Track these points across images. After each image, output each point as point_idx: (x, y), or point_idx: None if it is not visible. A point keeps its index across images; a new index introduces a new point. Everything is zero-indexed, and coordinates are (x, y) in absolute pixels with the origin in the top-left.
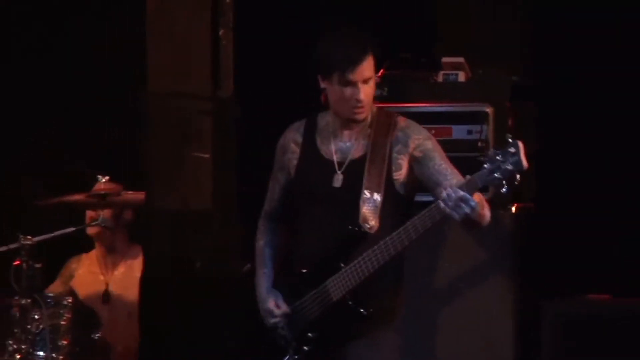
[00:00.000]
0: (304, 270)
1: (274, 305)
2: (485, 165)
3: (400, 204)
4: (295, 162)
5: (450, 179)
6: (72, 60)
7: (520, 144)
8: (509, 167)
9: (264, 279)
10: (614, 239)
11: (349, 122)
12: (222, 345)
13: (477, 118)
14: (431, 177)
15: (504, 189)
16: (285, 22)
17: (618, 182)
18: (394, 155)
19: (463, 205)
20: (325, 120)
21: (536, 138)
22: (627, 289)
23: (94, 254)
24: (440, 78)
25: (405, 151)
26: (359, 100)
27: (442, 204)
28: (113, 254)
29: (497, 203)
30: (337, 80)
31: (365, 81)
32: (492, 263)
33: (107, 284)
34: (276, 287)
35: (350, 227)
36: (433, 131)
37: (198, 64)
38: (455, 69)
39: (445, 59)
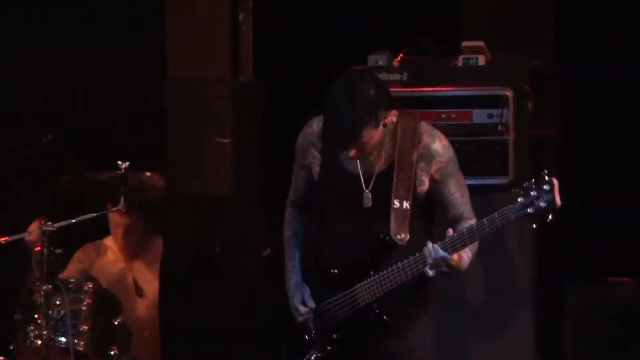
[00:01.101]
0: (335, 271)
1: (300, 303)
2: (519, 199)
3: (426, 213)
4: (317, 169)
5: (456, 209)
6: (92, 46)
7: (555, 182)
8: (542, 204)
9: (292, 273)
10: (635, 222)
11: None
12: (242, 330)
13: (497, 102)
14: (442, 202)
15: (534, 225)
16: (303, 6)
17: (638, 165)
18: (418, 171)
19: (442, 265)
20: None
21: (556, 121)
22: None
23: (111, 242)
24: (459, 62)
25: (427, 169)
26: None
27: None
28: (134, 243)
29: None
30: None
31: (361, 147)
32: (513, 246)
33: (134, 278)
34: (306, 281)
35: (384, 237)
36: (453, 115)
37: (218, 49)
38: (474, 53)
39: (465, 43)
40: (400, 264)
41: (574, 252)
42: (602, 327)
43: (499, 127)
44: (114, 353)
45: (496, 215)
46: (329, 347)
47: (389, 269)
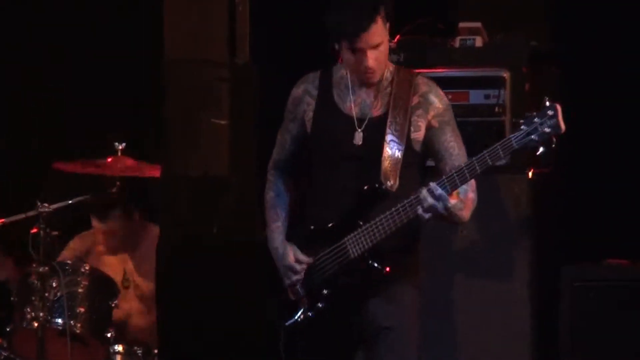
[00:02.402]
0: (321, 227)
1: (294, 261)
2: (522, 127)
3: (418, 163)
4: (311, 114)
5: (453, 159)
6: (90, 28)
7: (558, 107)
8: (547, 129)
9: (277, 233)
10: (632, 204)
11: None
12: (240, 311)
13: (494, 83)
14: (438, 151)
15: (539, 152)
16: None
17: (637, 147)
18: (414, 118)
19: (438, 206)
20: (340, 73)
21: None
22: None
23: (101, 231)
24: (457, 43)
25: (424, 116)
26: (367, 67)
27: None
28: (119, 244)
29: (516, 168)
30: (346, 47)
31: (374, 47)
32: (509, 228)
33: (124, 268)
34: (291, 241)
35: (372, 184)
36: (450, 96)
37: (214, 30)
38: (472, 34)
39: (462, 24)
40: (392, 209)
41: (572, 234)
42: (600, 310)
43: (496, 109)
44: (111, 335)
45: (498, 146)
46: (319, 304)
47: (380, 217)
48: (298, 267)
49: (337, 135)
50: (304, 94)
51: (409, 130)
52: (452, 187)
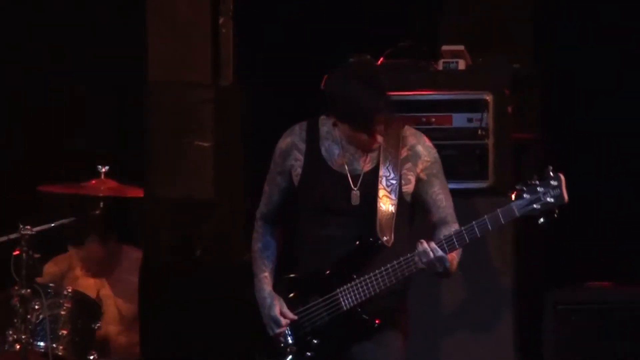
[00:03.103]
0: (312, 276)
1: (280, 314)
2: (524, 196)
3: (408, 216)
4: (299, 170)
5: (441, 211)
6: (73, 49)
7: (562, 177)
8: (550, 199)
9: (265, 283)
10: (615, 226)
11: None
12: (222, 334)
13: (477, 106)
14: (427, 202)
15: (541, 221)
16: (284, 10)
17: (618, 169)
18: (404, 171)
19: (438, 265)
20: (327, 126)
21: (536, 125)
22: (627, 276)
23: (78, 256)
24: (440, 66)
25: (413, 170)
26: (373, 145)
27: (416, 258)
28: (99, 268)
29: (498, 191)
30: (351, 127)
31: (379, 130)
32: (492, 251)
33: (98, 292)
34: (276, 292)
35: (368, 238)
36: (433, 119)
37: (198, 52)
38: (455, 57)
39: (445, 47)
40: (387, 266)
41: (554, 257)
42: (582, 332)
43: (479, 132)
44: (93, 358)
45: (499, 212)
46: (308, 354)
47: (375, 272)
48: (283, 321)
49: (331, 194)
50: (292, 147)
51: (400, 183)
52: (450, 248)
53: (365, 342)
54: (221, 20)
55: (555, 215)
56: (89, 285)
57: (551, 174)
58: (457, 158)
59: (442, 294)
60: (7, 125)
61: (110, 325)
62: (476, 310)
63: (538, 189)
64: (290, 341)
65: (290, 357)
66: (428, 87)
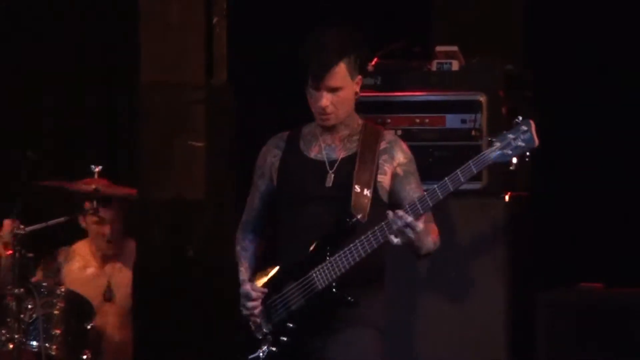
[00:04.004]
0: (288, 263)
1: (250, 288)
2: (495, 144)
3: (382, 210)
4: (277, 164)
5: None
6: (65, 49)
7: (532, 122)
8: (521, 143)
9: (240, 275)
10: (606, 228)
11: (332, 129)
12: (214, 333)
13: (470, 107)
14: (400, 197)
15: (512, 166)
16: (278, 9)
17: (611, 171)
18: (381, 161)
19: (408, 230)
20: (309, 128)
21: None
22: (619, 278)
23: (84, 248)
24: (433, 67)
25: (390, 162)
26: (321, 107)
27: (385, 228)
28: (109, 248)
29: (491, 192)
30: (309, 84)
31: (331, 90)
32: (485, 252)
33: (108, 280)
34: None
35: (342, 217)
36: (426, 120)
37: (191, 52)
38: (448, 58)
39: (438, 48)
40: (360, 238)
41: (547, 258)
42: (574, 334)
43: (473, 133)
44: (87, 357)
45: (471, 163)
46: (283, 338)
47: (346, 248)
48: (253, 294)
49: (305, 179)
50: (272, 149)
51: (376, 172)
52: (415, 213)
53: (337, 334)
54: (215, 20)
55: (527, 159)
56: (93, 274)
57: (520, 119)
58: (450, 159)
59: (433, 295)
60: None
61: (109, 317)
62: (468, 311)
63: (508, 135)
64: (265, 330)
65: (265, 345)
66: (421, 88)
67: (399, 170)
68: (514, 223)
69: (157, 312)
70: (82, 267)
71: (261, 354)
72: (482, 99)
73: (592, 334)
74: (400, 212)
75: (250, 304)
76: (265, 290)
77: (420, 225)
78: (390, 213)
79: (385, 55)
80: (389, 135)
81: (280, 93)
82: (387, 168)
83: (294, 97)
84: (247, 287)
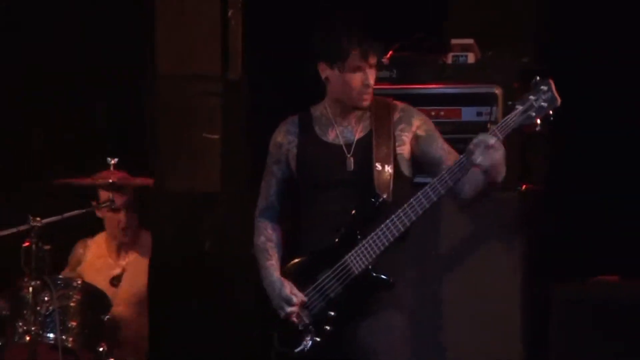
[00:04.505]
0: (317, 251)
1: (290, 293)
2: (517, 107)
3: (405, 182)
4: (295, 151)
5: (453, 157)
6: (81, 42)
7: (551, 81)
8: (544, 104)
9: (271, 270)
10: (622, 220)
11: (349, 109)
12: (232, 326)
13: (486, 100)
14: (435, 155)
15: (538, 127)
16: (293, 2)
17: (628, 163)
18: (397, 133)
19: (491, 150)
20: (319, 110)
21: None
22: (635, 271)
23: (101, 238)
24: (449, 60)
25: (408, 129)
26: (368, 86)
27: (469, 157)
28: (124, 236)
29: (507, 185)
30: (347, 67)
31: (372, 66)
32: (500, 246)
33: (119, 269)
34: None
35: (368, 198)
36: (442, 112)
37: (207, 45)
38: (464, 51)
39: (454, 41)
40: (392, 216)
41: (562, 250)
42: (590, 327)
43: (488, 125)
44: (103, 350)
45: (496, 129)
46: (326, 327)
47: (378, 229)
48: (294, 299)
49: (326, 165)
50: (285, 134)
51: (394, 145)
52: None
53: (367, 320)
54: (230, 13)
55: (552, 119)
56: (108, 265)
57: (539, 79)
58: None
59: (449, 290)
60: (14, 117)
61: (121, 307)
62: (483, 304)
63: (530, 97)
64: (306, 321)
65: (309, 336)
66: (437, 81)
67: (420, 132)
68: (530, 216)
69: (173, 304)
70: (98, 256)
71: (307, 346)
72: (498, 91)
73: (607, 327)
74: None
75: (290, 309)
76: (305, 299)
77: (500, 144)
78: (475, 139)
79: (401, 48)
80: (400, 104)
81: (295, 86)
82: (405, 137)
83: (309, 89)
84: (287, 291)
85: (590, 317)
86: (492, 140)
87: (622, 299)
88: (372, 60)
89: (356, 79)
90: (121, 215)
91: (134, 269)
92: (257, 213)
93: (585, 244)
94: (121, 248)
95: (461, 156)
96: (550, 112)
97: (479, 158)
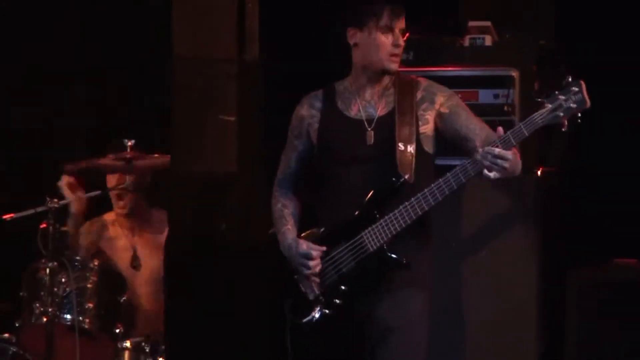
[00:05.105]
0: (335, 226)
1: (307, 248)
2: (546, 105)
3: (428, 162)
4: (316, 125)
5: (479, 133)
6: (98, 24)
7: (583, 83)
8: (573, 105)
9: (288, 233)
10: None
11: (375, 78)
12: (248, 309)
13: (503, 82)
14: (460, 132)
15: (564, 128)
16: None
17: None
18: (420, 112)
19: (500, 161)
20: (343, 85)
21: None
22: None
23: (113, 217)
24: (466, 42)
25: (431, 108)
26: (399, 46)
27: (478, 159)
28: (135, 219)
29: (523, 167)
30: (377, 28)
31: (401, 31)
32: (516, 229)
33: (134, 249)
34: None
35: (390, 177)
36: (459, 95)
37: (223, 27)
38: (481, 33)
39: (471, 23)
40: (411, 199)
41: (579, 233)
42: (607, 310)
43: (505, 108)
44: (119, 331)
45: (522, 125)
46: (336, 301)
47: (397, 209)
48: (314, 252)
49: (347, 139)
50: (308, 108)
51: (417, 125)
52: (506, 146)
53: (385, 296)
54: None
55: (579, 120)
56: (123, 246)
57: (570, 80)
58: None
59: (464, 272)
60: (31, 99)
61: (142, 287)
62: (500, 288)
63: (559, 96)
64: (317, 291)
65: (318, 307)
66: (454, 63)
67: (444, 109)
68: (546, 199)
69: (188, 285)
70: (115, 237)
71: (315, 316)
72: (515, 74)
73: (625, 310)
74: (487, 148)
75: (312, 262)
76: (324, 248)
77: (509, 154)
78: (480, 150)
79: (418, 30)
80: (423, 81)
81: (311, 68)
82: (429, 116)
83: (326, 71)
84: (304, 247)
85: (607, 300)
86: (496, 151)
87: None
88: (401, 23)
89: (386, 38)
90: (125, 202)
91: (147, 249)
92: (275, 183)
93: (603, 227)
94: (134, 228)
95: (468, 160)
96: (579, 113)
97: (491, 173)
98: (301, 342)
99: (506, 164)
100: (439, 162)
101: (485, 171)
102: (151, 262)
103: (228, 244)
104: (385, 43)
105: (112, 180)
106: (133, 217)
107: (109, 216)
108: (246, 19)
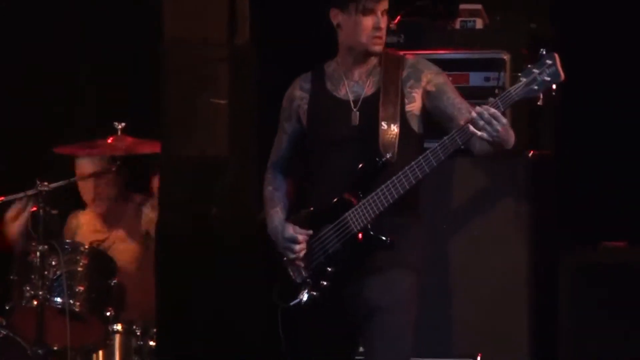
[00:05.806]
0: (320, 207)
1: (294, 231)
2: (521, 79)
3: (414, 141)
4: (305, 107)
5: (464, 112)
6: (88, 7)
7: (556, 55)
8: (547, 78)
9: (276, 216)
10: (630, 186)
11: (361, 58)
12: (238, 292)
13: (494, 65)
14: (445, 111)
15: (540, 102)
16: None
17: (636, 128)
18: (407, 90)
19: (495, 122)
20: (332, 66)
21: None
22: None
23: (88, 212)
24: (457, 25)
25: (417, 85)
26: (380, 29)
27: (470, 127)
28: (112, 208)
29: (514, 150)
30: (358, 9)
31: (384, 13)
32: (508, 211)
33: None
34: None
35: (371, 157)
36: (450, 78)
37: (214, 9)
38: (472, 16)
39: (462, 6)
40: (393, 178)
41: (570, 216)
42: (598, 293)
43: (496, 91)
44: (110, 314)
45: (498, 100)
46: (323, 282)
47: (379, 188)
48: (299, 237)
49: (333, 119)
50: (298, 90)
51: (403, 102)
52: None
53: (373, 277)
54: None
55: (554, 93)
56: (98, 241)
57: (544, 53)
58: None
59: (455, 254)
60: (22, 84)
61: (124, 277)
62: (491, 270)
63: (533, 70)
64: (304, 274)
65: (306, 289)
66: (445, 46)
67: (430, 87)
68: (537, 182)
69: (179, 269)
70: (89, 232)
71: (303, 299)
72: (506, 57)
73: (615, 293)
74: (483, 106)
75: (298, 247)
76: (310, 232)
77: (504, 119)
78: (477, 108)
79: (409, 13)
80: (411, 59)
81: (303, 51)
82: (415, 94)
83: (317, 54)
84: (290, 230)
85: (598, 283)
86: (491, 110)
87: (630, 264)
88: (383, 5)
89: (368, 21)
90: (90, 185)
91: (123, 242)
92: (268, 166)
93: (594, 210)
94: (105, 220)
95: (454, 131)
96: (553, 86)
97: (480, 130)
98: (291, 326)
99: (499, 127)
100: (428, 144)
101: (477, 132)
102: (124, 254)
103: (219, 228)
104: (366, 25)
105: (84, 167)
106: (108, 209)
107: (87, 210)
108: (237, 2)
